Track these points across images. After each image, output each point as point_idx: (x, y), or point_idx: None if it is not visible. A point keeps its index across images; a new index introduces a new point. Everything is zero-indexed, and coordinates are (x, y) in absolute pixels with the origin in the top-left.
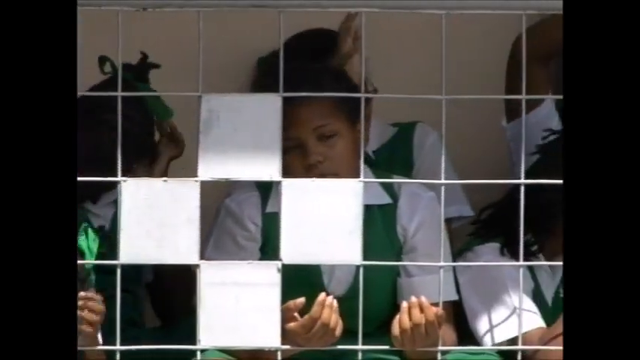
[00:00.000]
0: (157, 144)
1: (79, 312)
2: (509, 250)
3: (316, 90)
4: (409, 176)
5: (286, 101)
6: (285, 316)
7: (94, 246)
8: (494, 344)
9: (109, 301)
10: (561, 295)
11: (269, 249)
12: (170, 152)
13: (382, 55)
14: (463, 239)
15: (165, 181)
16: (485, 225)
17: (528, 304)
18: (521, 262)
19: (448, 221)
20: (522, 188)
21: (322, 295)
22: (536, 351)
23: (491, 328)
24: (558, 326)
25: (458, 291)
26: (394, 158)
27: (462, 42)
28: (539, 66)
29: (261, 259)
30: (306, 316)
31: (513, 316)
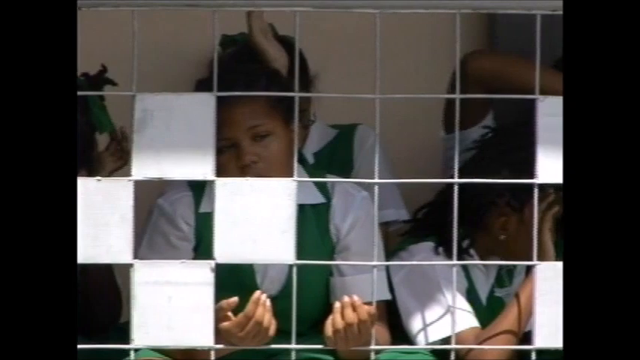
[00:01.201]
0: (100, 155)
1: None
2: (443, 249)
3: (251, 90)
4: (349, 178)
5: (220, 101)
6: (219, 316)
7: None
8: (427, 343)
9: None
10: (496, 295)
11: (202, 249)
12: (113, 164)
13: (323, 56)
14: (397, 239)
15: (98, 180)
16: (419, 224)
17: (462, 303)
18: (455, 262)
19: (385, 225)
20: (456, 187)
21: (256, 293)
22: (469, 351)
23: (425, 327)
24: (495, 327)
25: (392, 290)
26: (335, 160)
27: (405, 41)
28: (479, 90)
29: (194, 258)
30: (240, 315)
31: (447, 315)
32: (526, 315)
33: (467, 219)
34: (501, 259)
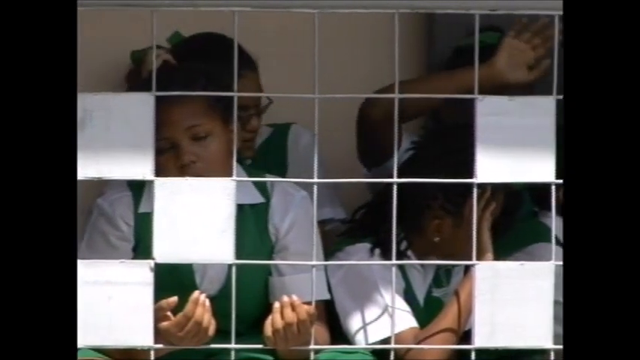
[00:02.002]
0: None
1: None
2: (380, 250)
3: (189, 90)
4: (283, 177)
5: (160, 101)
6: (158, 315)
7: None
8: (367, 344)
9: None
10: (433, 295)
11: (142, 249)
12: None
13: (262, 56)
14: (334, 239)
15: None
16: (357, 225)
17: (400, 303)
18: (394, 262)
19: (321, 223)
20: (395, 187)
21: (195, 293)
22: (408, 350)
23: (364, 327)
24: (434, 326)
25: (330, 291)
26: (269, 159)
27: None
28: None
29: (134, 258)
30: (179, 315)
31: (385, 315)
32: (465, 314)
33: (403, 221)
34: (439, 260)
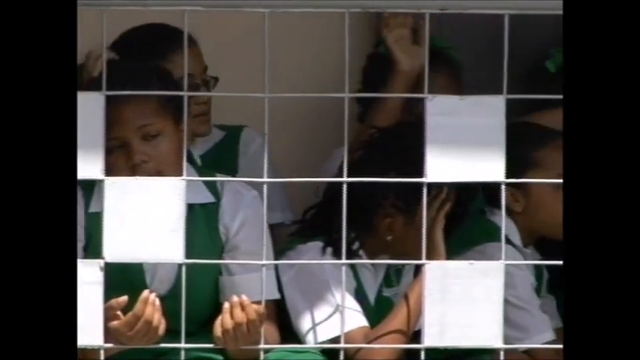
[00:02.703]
0: None
1: None
2: (331, 249)
3: (141, 89)
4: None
5: (110, 100)
6: (108, 315)
7: None
8: (317, 343)
9: None
10: (384, 294)
11: (92, 248)
12: None
13: (213, 55)
14: (286, 239)
15: None
16: (307, 225)
17: (351, 303)
18: (344, 261)
19: (271, 227)
20: (345, 187)
21: (145, 292)
22: (358, 350)
23: (314, 326)
24: (384, 326)
25: (281, 290)
26: (220, 161)
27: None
28: None
29: (84, 258)
30: (129, 314)
31: (336, 315)
32: (415, 314)
33: (354, 220)
34: (390, 260)
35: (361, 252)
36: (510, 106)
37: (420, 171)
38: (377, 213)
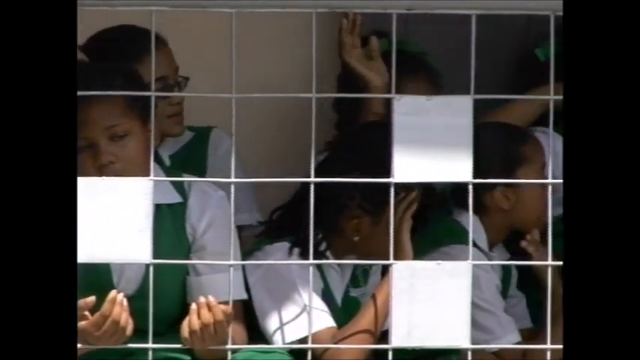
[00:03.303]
0: None
1: None
2: (299, 250)
3: (108, 89)
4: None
5: (78, 100)
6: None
7: None
8: (284, 343)
9: None
10: (351, 295)
11: None
12: None
13: (182, 55)
14: (253, 240)
15: None
16: (275, 225)
17: (318, 303)
18: (311, 261)
19: (238, 229)
20: (312, 187)
21: (112, 292)
22: (326, 350)
23: (282, 327)
24: (352, 326)
25: (248, 291)
26: (189, 162)
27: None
28: None
29: None
30: (97, 314)
31: (303, 315)
32: (383, 314)
33: (321, 221)
34: (357, 260)
35: (328, 252)
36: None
37: (386, 171)
38: (343, 213)
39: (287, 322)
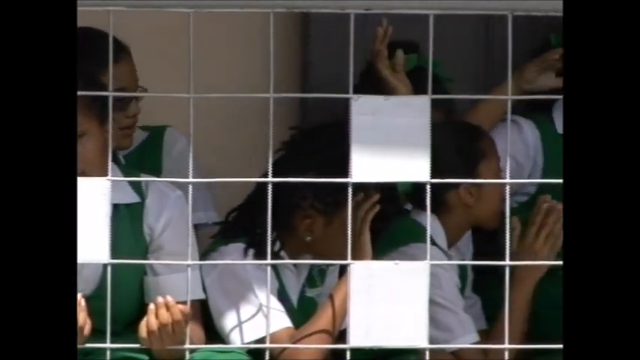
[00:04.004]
0: None
1: None
2: (254, 250)
3: None
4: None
5: None
6: None
7: None
8: (242, 344)
9: None
10: (307, 295)
11: None
12: None
13: (140, 55)
14: (208, 241)
15: None
16: (230, 226)
17: (274, 303)
18: (268, 261)
19: (195, 227)
20: (270, 187)
21: None
22: (283, 350)
23: (239, 327)
24: (310, 326)
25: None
26: (144, 161)
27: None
28: None
29: None
30: None
31: (260, 315)
32: (341, 314)
33: (274, 220)
34: (313, 260)
35: (282, 252)
36: None
37: (343, 171)
38: (295, 213)
39: (244, 323)
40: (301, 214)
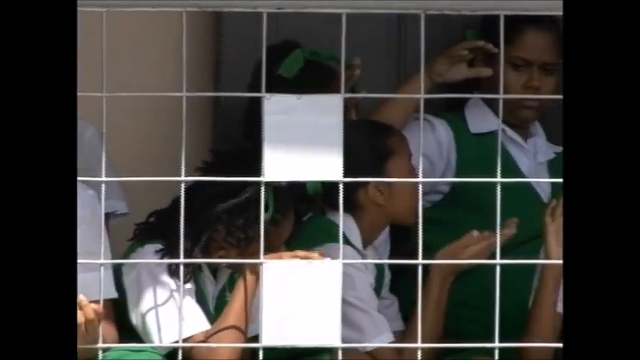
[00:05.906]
0: None
1: None
2: (170, 251)
3: None
4: None
5: None
6: None
7: None
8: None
9: None
10: (227, 299)
11: None
12: None
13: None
14: (126, 243)
15: None
16: (148, 228)
17: (192, 306)
18: (183, 260)
19: (106, 216)
20: (183, 185)
21: None
22: (197, 351)
23: (158, 329)
24: (219, 324)
25: (123, 292)
26: None
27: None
28: None
29: None
30: None
31: (176, 318)
32: (250, 309)
33: (195, 223)
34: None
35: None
36: None
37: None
38: (209, 244)
39: (162, 325)
40: (215, 245)
